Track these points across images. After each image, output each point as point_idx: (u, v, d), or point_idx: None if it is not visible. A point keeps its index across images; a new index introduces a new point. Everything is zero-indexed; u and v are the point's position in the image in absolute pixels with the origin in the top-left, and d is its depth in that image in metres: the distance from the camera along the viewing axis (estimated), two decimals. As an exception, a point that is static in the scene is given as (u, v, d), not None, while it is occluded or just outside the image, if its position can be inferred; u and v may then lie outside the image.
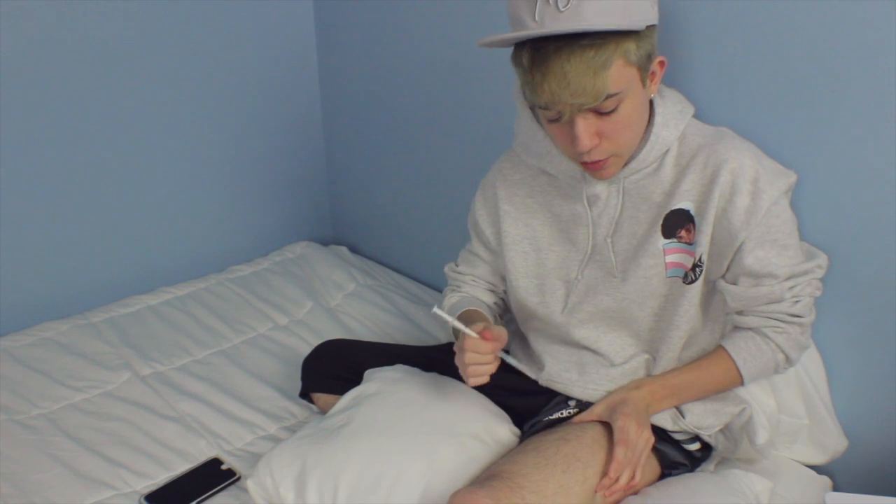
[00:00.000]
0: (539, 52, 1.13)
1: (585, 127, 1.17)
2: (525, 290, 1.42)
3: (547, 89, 1.13)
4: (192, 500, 1.46)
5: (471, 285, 1.53)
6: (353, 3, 2.10)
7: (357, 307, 2.07)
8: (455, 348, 1.30)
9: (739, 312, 1.30)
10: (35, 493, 1.48)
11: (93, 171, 1.99)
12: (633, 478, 1.25)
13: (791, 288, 1.26)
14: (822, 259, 1.30)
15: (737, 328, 1.33)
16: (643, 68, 1.18)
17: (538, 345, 1.45)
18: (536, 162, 1.36)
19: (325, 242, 2.42)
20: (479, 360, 1.26)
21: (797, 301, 1.27)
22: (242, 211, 2.29)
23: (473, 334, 1.27)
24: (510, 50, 1.21)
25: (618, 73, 1.13)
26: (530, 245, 1.41)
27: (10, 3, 1.77)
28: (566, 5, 1.10)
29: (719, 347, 1.32)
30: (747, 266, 1.25)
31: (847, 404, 1.41)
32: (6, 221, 1.90)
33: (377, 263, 2.31)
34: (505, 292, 1.52)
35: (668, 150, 1.28)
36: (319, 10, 2.22)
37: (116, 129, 2.00)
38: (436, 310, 1.32)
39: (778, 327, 1.28)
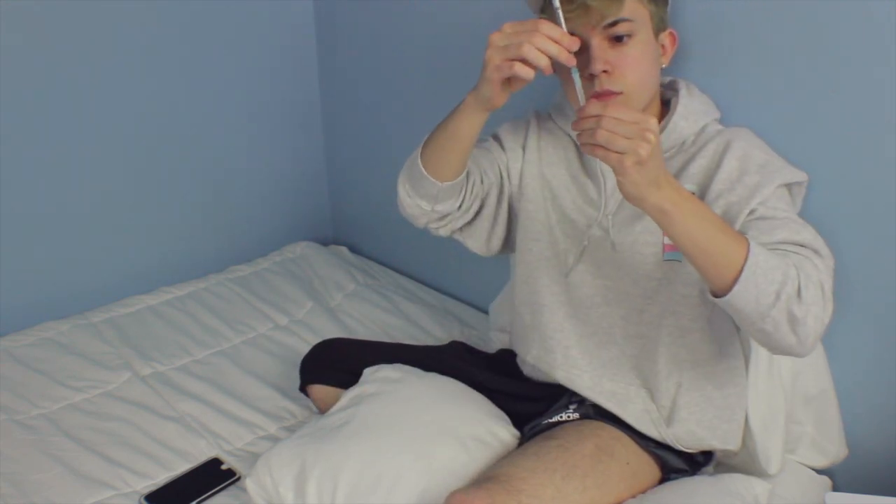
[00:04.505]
0: None
1: (599, 48, 1.19)
2: (535, 241, 1.40)
3: None
4: (192, 500, 1.46)
5: None
6: (353, 3, 2.10)
7: (357, 307, 2.07)
8: (510, 23, 1.12)
9: None
10: (35, 493, 1.48)
11: (93, 171, 1.99)
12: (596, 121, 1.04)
13: (812, 236, 1.17)
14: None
15: None
16: (655, 19, 1.23)
17: (532, 319, 1.44)
18: (565, 125, 1.38)
19: (325, 242, 2.42)
20: (551, 34, 1.09)
21: (817, 252, 1.15)
22: (242, 211, 2.29)
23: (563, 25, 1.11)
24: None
25: (633, 1, 1.19)
26: (549, 193, 1.40)
27: (9, 4, 1.77)
28: None
29: None
30: (758, 213, 1.18)
31: (847, 404, 1.41)
32: (6, 221, 1.90)
33: (377, 263, 2.31)
34: (481, 182, 1.38)
35: (683, 143, 1.29)
36: (319, 9, 2.22)
37: (116, 128, 2.00)
38: None
39: (799, 252, 1.13)
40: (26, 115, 1.86)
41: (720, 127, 1.32)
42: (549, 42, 1.08)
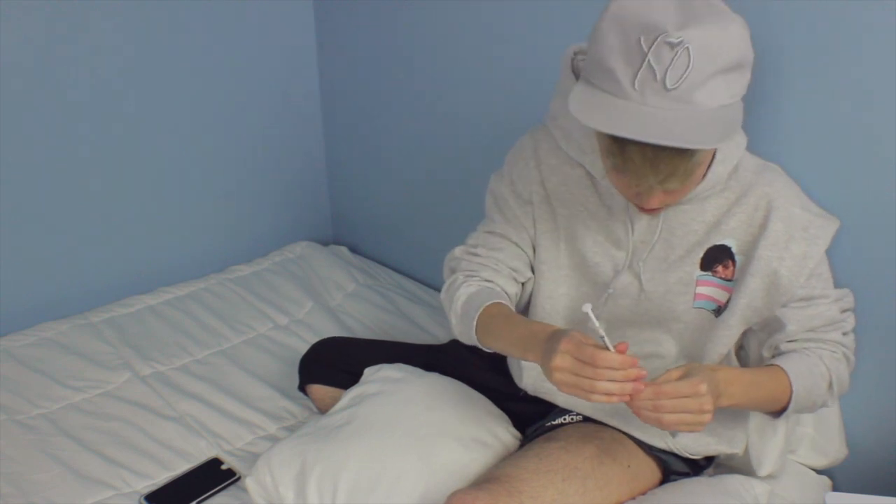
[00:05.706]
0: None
1: (657, 200, 1.11)
2: (548, 298, 1.35)
3: (637, 171, 1.04)
4: (192, 500, 1.47)
5: (492, 270, 1.32)
6: (353, 3, 2.10)
7: (357, 307, 2.07)
8: (568, 346, 1.07)
9: (790, 341, 1.26)
10: (35, 493, 1.48)
11: (93, 172, 1.99)
12: (654, 411, 1.07)
13: (842, 311, 1.27)
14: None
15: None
16: None
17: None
18: (578, 156, 1.26)
19: (325, 242, 2.42)
20: (614, 377, 1.05)
21: (846, 334, 1.27)
22: (242, 211, 2.29)
23: (611, 347, 1.07)
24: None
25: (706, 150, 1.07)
26: (563, 235, 1.32)
27: (9, 3, 1.77)
28: (675, 84, 0.99)
29: (771, 365, 1.24)
30: (800, 294, 1.23)
31: (847, 405, 1.41)
32: (6, 221, 1.89)
33: (377, 263, 2.31)
34: (522, 288, 1.36)
35: (715, 184, 1.22)
36: (319, 10, 2.22)
37: (116, 128, 2.00)
38: (587, 309, 1.08)
39: (836, 352, 1.26)
40: (26, 116, 1.86)
41: (751, 161, 1.25)
42: (615, 385, 1.05)
